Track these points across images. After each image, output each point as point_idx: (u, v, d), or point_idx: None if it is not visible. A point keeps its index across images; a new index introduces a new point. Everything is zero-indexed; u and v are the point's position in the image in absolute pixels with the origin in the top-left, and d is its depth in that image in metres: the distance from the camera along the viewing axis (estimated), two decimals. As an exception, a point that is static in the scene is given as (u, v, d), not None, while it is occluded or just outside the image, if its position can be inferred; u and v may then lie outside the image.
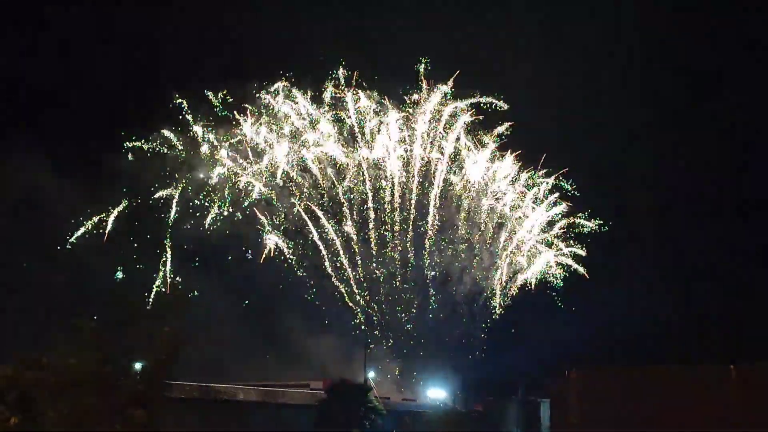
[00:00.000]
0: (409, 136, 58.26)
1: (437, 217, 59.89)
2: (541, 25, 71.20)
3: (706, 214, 67.69)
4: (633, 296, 61.98)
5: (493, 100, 57.60)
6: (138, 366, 26.09)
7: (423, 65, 57.44)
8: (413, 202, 59.49)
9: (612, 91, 69.65)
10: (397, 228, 59.32)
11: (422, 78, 57.69)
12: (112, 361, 25.80)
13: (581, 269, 57.73)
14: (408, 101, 57.79)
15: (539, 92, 64.80)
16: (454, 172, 60.12)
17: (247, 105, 55.20)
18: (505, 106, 57.86)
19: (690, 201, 70.34)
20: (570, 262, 58.58)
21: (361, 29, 69.71)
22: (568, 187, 60.29)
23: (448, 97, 58.03)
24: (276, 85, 55.66)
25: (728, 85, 71.76)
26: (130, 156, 53.31)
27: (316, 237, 56.01)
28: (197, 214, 53.99)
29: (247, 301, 56.64)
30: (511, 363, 58.95)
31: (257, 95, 55.91)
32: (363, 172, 57.84)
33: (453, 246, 61.50)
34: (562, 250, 58.51)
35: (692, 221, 67.91)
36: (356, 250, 57.84)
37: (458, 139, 58.29)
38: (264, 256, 53.41)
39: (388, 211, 59.18)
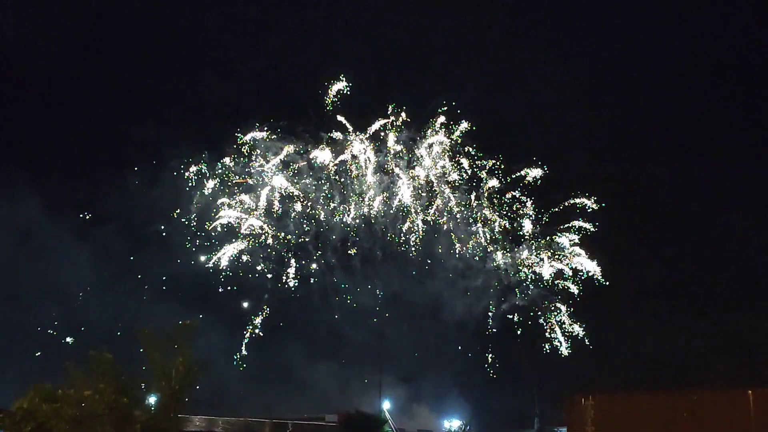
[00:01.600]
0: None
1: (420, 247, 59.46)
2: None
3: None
4: (645, 320, 60.80)
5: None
6: (152, 399, 25.56)
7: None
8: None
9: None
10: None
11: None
12: (127, 393, 25.26)
13: (579, 330, 56.85)
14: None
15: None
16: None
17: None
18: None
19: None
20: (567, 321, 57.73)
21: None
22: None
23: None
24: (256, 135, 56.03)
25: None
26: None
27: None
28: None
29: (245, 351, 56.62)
30: (521, 391, 57.83)
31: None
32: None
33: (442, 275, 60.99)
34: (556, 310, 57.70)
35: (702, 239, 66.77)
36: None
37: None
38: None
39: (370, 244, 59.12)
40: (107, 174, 61.46)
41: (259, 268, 57.56)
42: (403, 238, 59.88)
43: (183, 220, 56.17)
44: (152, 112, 66.74)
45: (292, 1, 74.32)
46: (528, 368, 58.93)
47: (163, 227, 56.17)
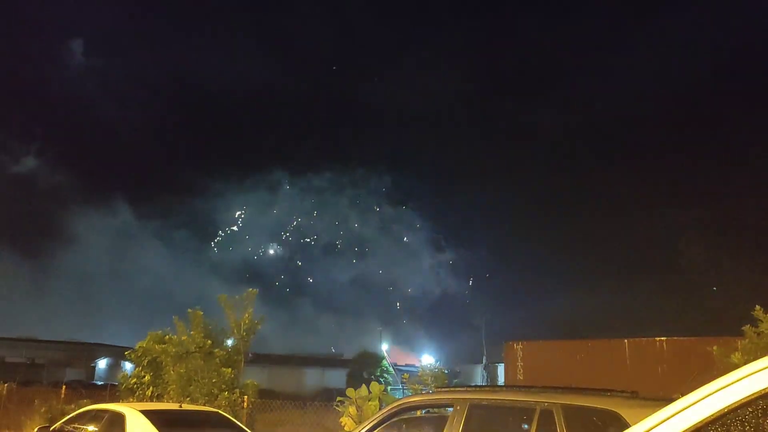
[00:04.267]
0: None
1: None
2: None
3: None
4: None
5: None
6: (229, 341, 34.43)
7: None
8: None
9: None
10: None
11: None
12: (211, 337, 33.23)
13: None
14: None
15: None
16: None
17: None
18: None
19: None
20: None
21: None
22: None
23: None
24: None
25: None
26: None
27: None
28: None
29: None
30: (476, 340, 70.37)
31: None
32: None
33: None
34: None
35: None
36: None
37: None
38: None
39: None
40: (178, 195, 76.60)
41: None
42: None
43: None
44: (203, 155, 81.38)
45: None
46: (477, 322, 70.84)
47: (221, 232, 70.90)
